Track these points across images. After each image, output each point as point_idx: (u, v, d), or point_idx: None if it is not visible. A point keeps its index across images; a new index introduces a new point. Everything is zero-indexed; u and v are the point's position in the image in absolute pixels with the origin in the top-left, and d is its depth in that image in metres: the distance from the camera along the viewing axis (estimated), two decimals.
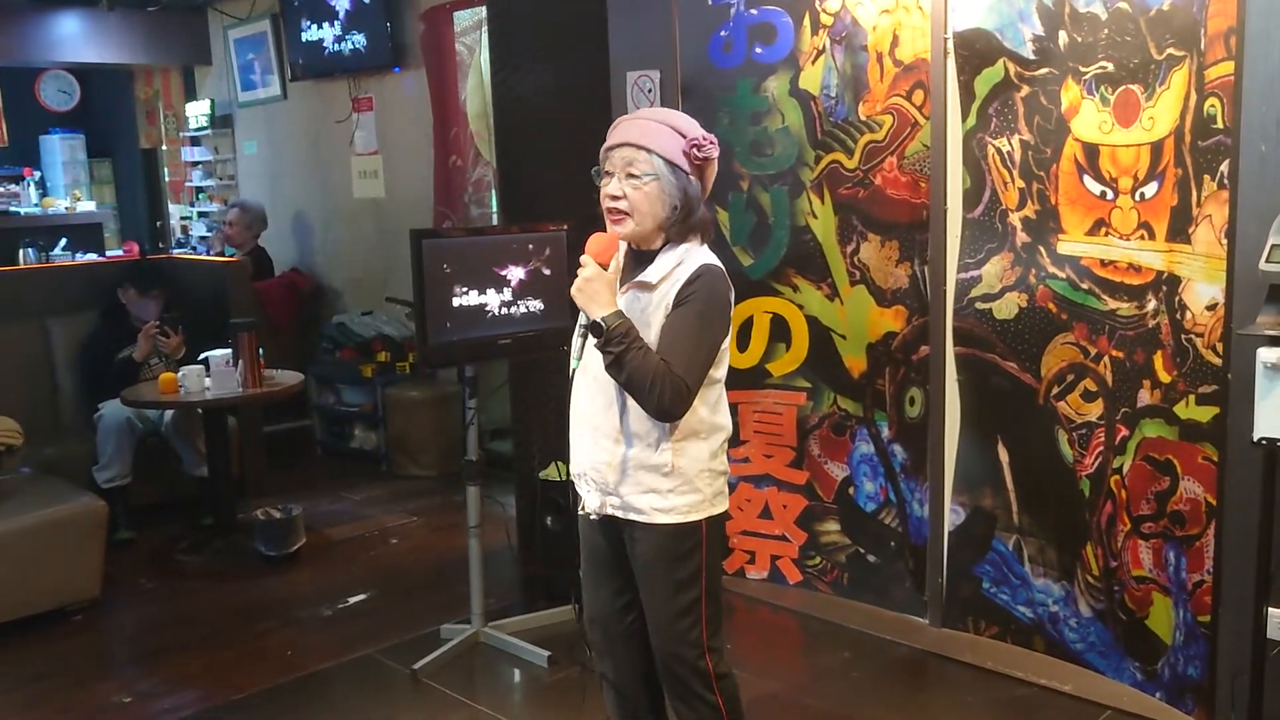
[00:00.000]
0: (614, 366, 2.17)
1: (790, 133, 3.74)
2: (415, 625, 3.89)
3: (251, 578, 4.48)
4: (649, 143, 2.23)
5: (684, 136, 2.24)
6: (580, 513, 2.42)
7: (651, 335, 2.23)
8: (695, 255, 2.28)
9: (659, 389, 2.15)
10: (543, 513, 3.98)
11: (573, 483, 2.44)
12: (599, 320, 2.17)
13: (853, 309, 3.72)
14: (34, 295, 5.39)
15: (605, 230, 2.30)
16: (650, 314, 2.25)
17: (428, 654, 3.58)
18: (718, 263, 2.29)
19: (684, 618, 2.34)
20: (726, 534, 2.49)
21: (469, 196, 5.99)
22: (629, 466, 2.29)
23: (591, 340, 2.21)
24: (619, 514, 2.33)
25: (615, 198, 2.25)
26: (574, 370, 2.30)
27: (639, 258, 2.33)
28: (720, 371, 2.33)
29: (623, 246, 2.32)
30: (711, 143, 2.26)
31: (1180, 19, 2.85)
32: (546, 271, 3.54)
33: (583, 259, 2.24)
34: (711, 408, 2.32)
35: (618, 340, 2.15)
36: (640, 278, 2.28)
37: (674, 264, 2.27)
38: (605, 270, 2.23)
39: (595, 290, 2.20)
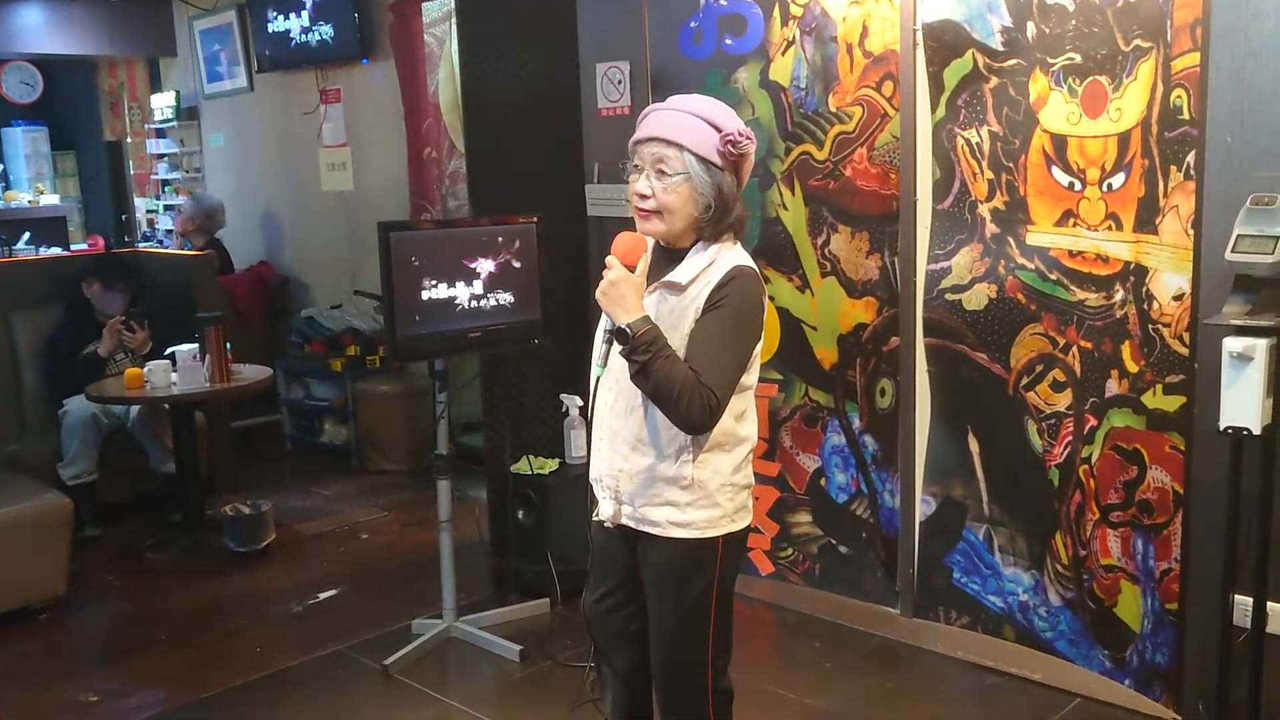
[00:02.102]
0: (639, 375, 2.04)
1: (760, 124, 3.73)
2: (386, 621, 3.87)
3: (220, 574, 4.45)
4: (680, 138, 2.09)
5: (719, 131, 2.09)
6: (594, 519, 2.33)
7: (678, 339, 2.09)
8: (727, 256, 2.14)
9: (686, 400, 2.01)
10: (514, 507, 3.97)
11: (590, 486, 2.33)
12: (624, 326, 2.03)
13: (823, 300, 3.72)
14: None
15: (607, 232, 2.21)
16: (678, 317, 2.12)
17: (399, 649, 3.56)
18: (751, 264, 2.17)
19: (690, 632, 2.24)
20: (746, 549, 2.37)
21: (445, 189, 5.95)
22: (647, 477, 2.17)
23: (616, 346, 2.07)
24: (633, 525, 2.23)
25: (644, 196, 2.12)
26: (597, 377, 2.17)
27: (668, 255, 2.19)
28: (751, 378, 2.20)
29: (650, 244, 2.19)
30: (748, 138, 2.12)
31: (1147, 10, 2.86)
32: (516, 264, 3.52)
33: (608, 260, 2.09)
34: (737, 417, 2.18)
35: (643, 348, 2.01)
36: (669, 278, 2.15)
37: (705, 264, 2.13)
38: (632, 272, 2.08)
39: (621, 294, 2.05)
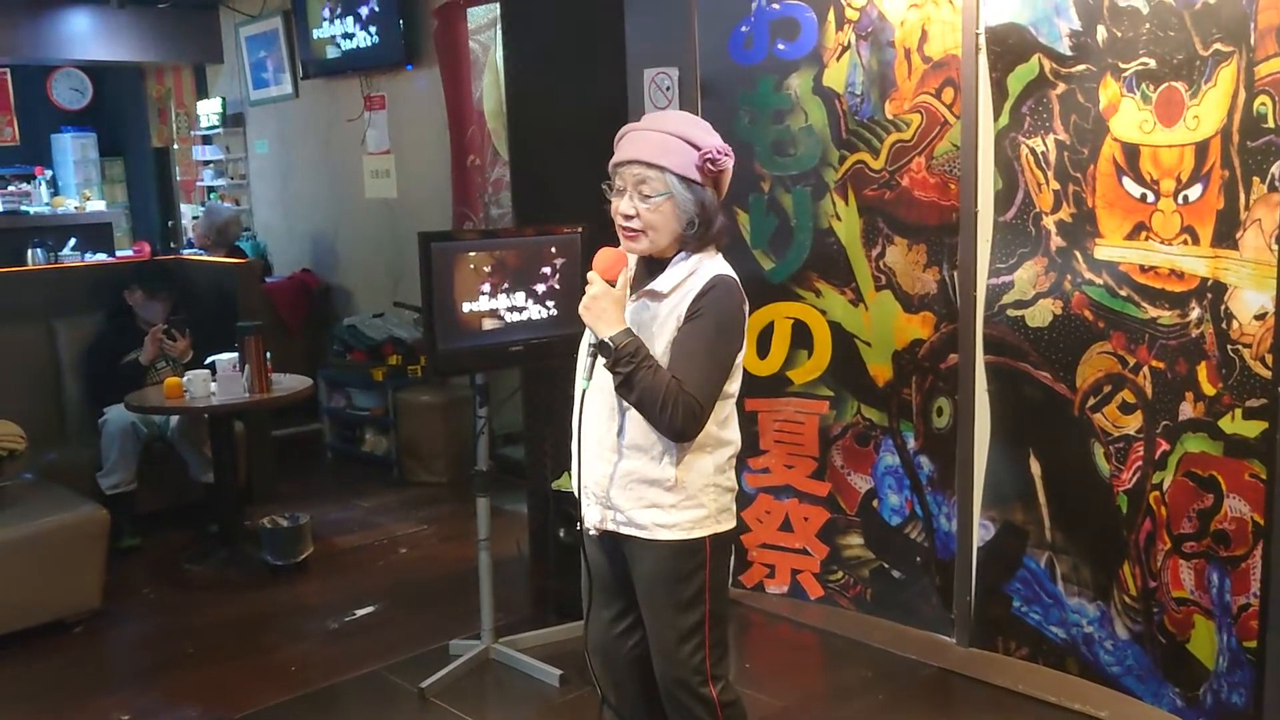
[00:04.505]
0: (624, 386, 2.11)
1: (813, 132, 3.61)
2: (424, 640, 3.77)
3: (257, 588, 4.38)
4: (661, 160, 2.13)
5: (697, 149, 2.14)
6: (581, 529, 2.34)
7: (660, 347, 2.15)
8: (708, 265, 2.20)
9: (670, 409, 2.08)
10: (555, 524, 3.87)
11: (578, 499, 2.35)
12: (607, 340, 2.11)
13: (878, 315, 3.58)
14: (40, 296, 5.29)
15: (618, 242, 2.22)
16: (660, 325, 2.18)
17: (436, 671, 3.46)
18: (731, 273, 2.22)
19: (686, 642, 2.25)
20: (733, 553, 2.40)
21: (488, 197, 5.88)
22: (631, 480, 2.21)
23: (600, 359, 2.14)
24: (620, 529, 2.25)
25: (628, 216, 2.17)
26: (584, 390, 2.22)
27: (650, 265, 2.25)
28: (733, 386, 2.24)
29: (632, 260, 2.26)
30: (727, 154, 2.17)
31: (1228, 12, 2.70)
32: (560, 275, 3.41)
33: (589, 275, 2.17)
34: (720, 423, 2.23)
35: (626, 360, 2.09)
36: (650, 286, 2.20)
37: (686, 274, 2.19)
38: (613, 287, 2.15)
39: (602, 309, 2.13)
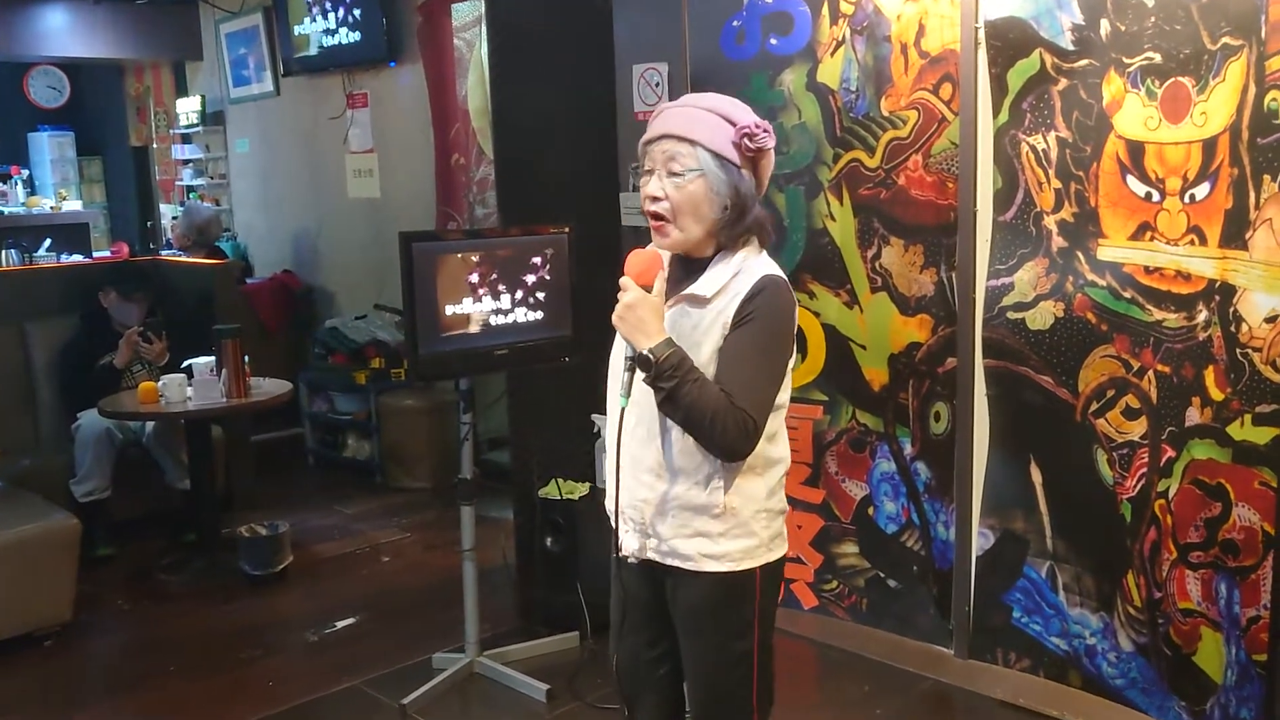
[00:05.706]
0: (667, 403, 1.90)
1: (807, 129, 3.51)
2: (406, 653, 3.66)
3: (234, 599, 4.26)
4: (692, 133, 1.94)
5: (733, 124, 1.94)
6: (617, 555, 2.14)
7: (704, 356, 1.94)
8: (754, 264, 1.98)
9: (720, 425, 1.87)
10: (542, 533, 3.76)
11: (609, 520, 2.17)
12: (646, 352, 1.89)
13: (873, 317, 3.49)
14: (12, 298, 5.16)
15: (625, 243, 2.05)
16: (703, 333, 1.96)
17: (418, 686, 3.35)
18: (780, 273, 2.01)
19: (732, 675, 2.08)
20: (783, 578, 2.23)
21: (473, 196, 5.77)
22: (674, 506, 2.01)
23: (639, 373, 1.92)
24: (661, 560, 2.06)
25: (656, 198, 1.97)
26: (623, 408, 1.98)
27: (687, 266, 2.03)
28: (784, 397, 2.03)
29: (666, 259, 2.04)
30: (766, 131, 1.95)
31: (1237, 5, 2.62)
32: (547, 277, 3.31)
33: (623, 281, 1.94)
34: (769, 438, 2.01)
35: (669, 374, 1.87)
36: (690, 290, 1.99)
37: (730, 275, 1.97)
38: (648, 293, 1.92)
39: (640, 318, 1.90)
